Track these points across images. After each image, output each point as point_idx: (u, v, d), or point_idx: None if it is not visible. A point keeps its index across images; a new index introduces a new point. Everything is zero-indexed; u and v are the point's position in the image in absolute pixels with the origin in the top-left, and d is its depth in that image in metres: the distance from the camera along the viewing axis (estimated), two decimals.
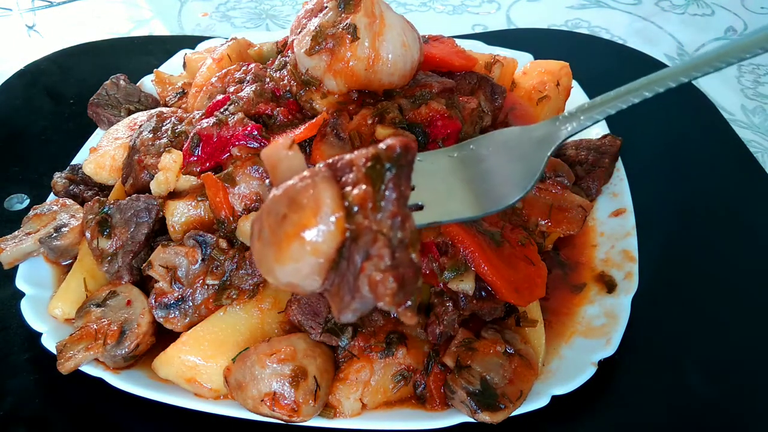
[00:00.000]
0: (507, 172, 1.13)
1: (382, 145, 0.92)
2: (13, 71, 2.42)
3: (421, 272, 0.90)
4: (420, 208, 1.04)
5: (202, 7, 3.11)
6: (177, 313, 1.32)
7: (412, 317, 0.87)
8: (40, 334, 1.39)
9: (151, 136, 1.61)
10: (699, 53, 1.07)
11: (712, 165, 1.93)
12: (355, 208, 0.90)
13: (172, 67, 2.18)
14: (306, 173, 0.95)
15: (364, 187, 0.90)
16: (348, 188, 0.92)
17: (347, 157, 0.97)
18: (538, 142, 1.15)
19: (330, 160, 0.98)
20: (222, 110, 1.50)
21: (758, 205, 1.80)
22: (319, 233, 0.89)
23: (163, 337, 1.35)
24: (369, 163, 0.91)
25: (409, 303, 0.86)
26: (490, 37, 2.30)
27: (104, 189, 1.72)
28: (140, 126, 1.68)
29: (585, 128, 1.12)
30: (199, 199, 1.42)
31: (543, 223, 1.43)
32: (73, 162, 1.85)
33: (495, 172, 1.14)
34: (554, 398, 1.26)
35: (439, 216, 1.08)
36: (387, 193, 0.89)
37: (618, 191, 1.69)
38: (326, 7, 1.41)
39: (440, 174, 1.16)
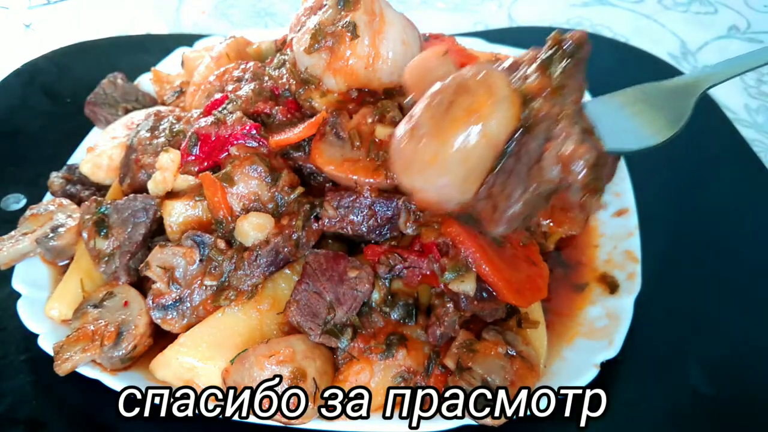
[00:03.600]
0: (651, 117, 1.09)
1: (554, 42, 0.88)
2: (10, 70, 2.40)
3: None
4: None
5: (201, 5, 3.09)
6: (175, 314, 1.30)
7: (599, 201, 0.83)
8: (36, 336, 1.38)
9: (148, 135, 1.60)
10: None
11: (715, 164, 1.91)
12: (531, 97, 0.84)
13: (170, 65, 2.17)
14: (473, 66, 0.91)
15: (541, 76, 0.85)
16: (520, 82, 0.87)
17: (510, 59, 0.93)
18: (680, 90, 1.12)
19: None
20: (220, 109, 1.49)
21: (762, 204, 1.78)
22: (493, 115, 0.83)
23: (160, 339, 1.34)
24: (545, 55, 0.87)
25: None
26: (491, 36, 2.29)
27: (101, 189, 1.71)
28: (137, 125, 1.67)
29: (728, 79, 1.10)
30: (197, 198, 1.41)
31: (545, 223, 1.42)
32: (70, 161, 1.84)
33: (638, 117, 1.09)
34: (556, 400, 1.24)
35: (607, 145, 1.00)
36: (568, 80, 0.85)
37: (620, 191, 1.68)
38: (326, 4, 1.40)
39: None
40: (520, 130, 0.86)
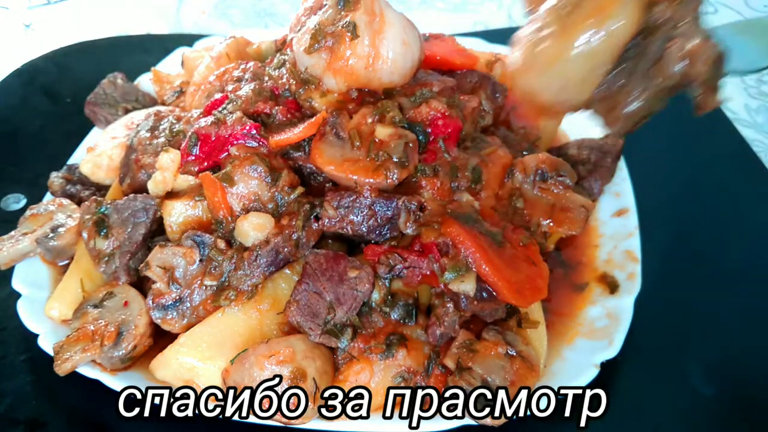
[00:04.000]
0: (756, 44, 1.18)
1: None
2: (10, 70, 2.40)
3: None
4: None
5: (201, 5, 3.09)
6: (175, 314, 1.30)
7: (717, 100, 0.89)
8: (36, 336, 1.38)
9: (148, 135, 1.60)
10: None
11: (715, 164, 1.91)
12: (654, 2, 0.89)
13: (170, 65, 2.17)
14: None
15: None
16: None
17: None
18: None
19: None
20: (220, 109, 1.49)
21: (761, 204, 1.78)
22: (619, 15, 0.87)
23: (160, 339, 1.34)
24: None
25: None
26: (491, 35, 2.29)
27: (101, 189, 1.71)
28: (137, 125, 1.67)
29: None
30: (197, 198, 1.41)
31: (545, 223, 1.42)
32: (70, 161, 1.84)
33: (743, 44, 1.17)
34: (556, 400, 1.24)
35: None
36: None
37: (620, 191, 1.68)
38: (326, 4, 1.40)
39: None
40: (642, 33, 0.90)
